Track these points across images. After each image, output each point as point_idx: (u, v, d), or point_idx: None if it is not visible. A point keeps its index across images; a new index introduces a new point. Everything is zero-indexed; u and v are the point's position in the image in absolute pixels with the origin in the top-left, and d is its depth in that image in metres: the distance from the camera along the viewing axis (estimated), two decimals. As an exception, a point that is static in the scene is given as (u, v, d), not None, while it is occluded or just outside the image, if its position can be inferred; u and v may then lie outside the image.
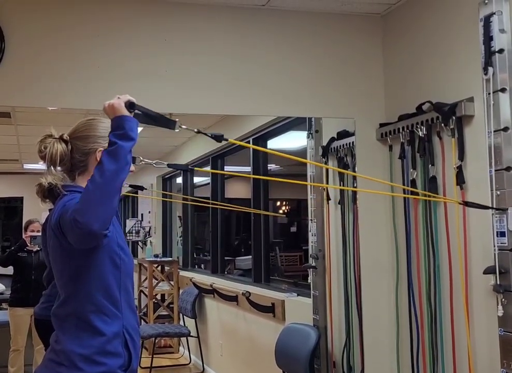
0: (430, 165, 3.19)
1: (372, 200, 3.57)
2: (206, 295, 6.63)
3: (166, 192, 8.83)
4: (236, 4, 3.48)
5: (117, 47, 3.34)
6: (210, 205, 6.65)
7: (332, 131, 3.97)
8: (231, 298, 5.70)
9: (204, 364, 6.70)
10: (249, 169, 5.58)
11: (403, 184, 3.41)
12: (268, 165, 5.65)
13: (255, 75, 3.52)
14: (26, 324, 5.73)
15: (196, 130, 2.14)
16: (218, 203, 6.54)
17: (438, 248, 3.16)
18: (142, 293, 8.40)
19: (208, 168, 6.95)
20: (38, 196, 4.05)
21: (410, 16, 3.48)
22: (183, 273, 7.80)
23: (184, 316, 7.30)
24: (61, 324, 2.01)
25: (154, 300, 7.82)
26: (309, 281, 4.23)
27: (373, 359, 3.60)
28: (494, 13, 2.68)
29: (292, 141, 5.50)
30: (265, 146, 5.43)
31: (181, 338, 7.40)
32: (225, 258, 7.23)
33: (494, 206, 2.64)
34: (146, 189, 7.80)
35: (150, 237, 9.47)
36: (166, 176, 8.90)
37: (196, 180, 8.21)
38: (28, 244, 5.73)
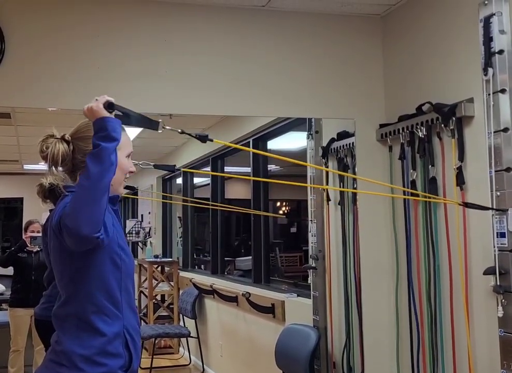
0: (430, 166, 3.19)
1: (372, 201, 3.57)
2: (206, 295, 6.63)
3: (166, 194, 8.83)
4: (236, 5, 3.48)
5: (117, 47, 3.34)
6: (210, 207, 6.65)
7: (332, 132, 3.97)
8: (231, 299, 5.70)
9: (204, 365, 6.70)
10: (249, 169, 5.59)
11: (403, 185, 3.41)
12: (268, 166, 5.65)
13: (255, 76, 3.52)
14: (26, 325, 5.74)
15: (179, 130, 2.13)
16: (218, 204, 6.54)
17: (438, 248, 3.16)
18: (142, 294, 8.41)
19: (208, 169, 6.95)
20: (38, 196, 4.06)
21: (410, 17, 3.48)
22: (183, 273, 7.80)
23: (184, 317, 7.30)
24: (62, 324, 2.01)
25: (154, 300, 7.83)
26: (309, 281, 4.23)
27: (374, 359, 3.60)
28: (494, 14, 2.68)
29: (292, 141, 5.50)
30: (265, 147, 5.43)
31: (181, 339, 7.41)
32: (225, 258, 7.23)
33: (494, 207, 2.64)
34: (137, 189, 7.80)
35: (150, 237, 9.48)
36: (166, 177, 8.91)
37: (196, 180, 8.21)
38: (28, 245, 5.73)
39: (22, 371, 5.87)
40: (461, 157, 2.96)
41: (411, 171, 3.34)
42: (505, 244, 2.60)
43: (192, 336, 6.89)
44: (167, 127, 2.08)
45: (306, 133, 4.23)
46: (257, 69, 3.53)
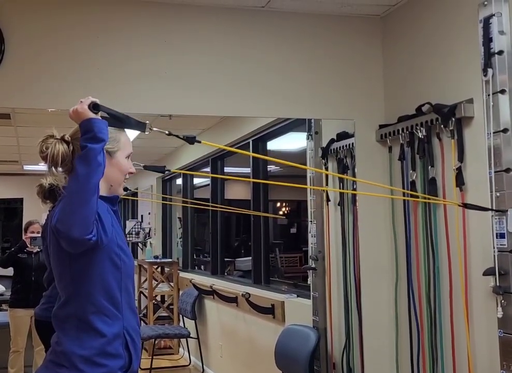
0: (430, 166, 3.19)
1: (372, 201, 3.57)
2: (206, 296, 6.63)
3: (166, 196, 8.83)
4: (236, 6, 3.48)
5: (117, 48, 3.34)
6: (210, 208, 6.65)
7: (332, 132, 3.97)
8: (231, 299, 5.70)
9: (204, 366, 6.70)
10: (248, 170, 5.59)
11: (403, 186, 3.41)
12: (268, 166, 5.65)
13: (255, 76, 3.52)
14: (26, 325, 5.74)
15: (167, 132, 2.13)
16: (218, 205, 6.54)
17: (438, 249, 3.16)
18: (142, 295, 8.41)
19: (207, 169, 6.95)
20: (38, 196, 4.07)
21: (410, 18, 3.48)
22: (183, 274, 7.80)
23: (184, 317, 7.30)
24: (62, 325, 2.01)
25: (153, 301, 7.83)
26: (308, 282, 4.23)
27: (373, 360, 3.60)
28: (494, 15, 2.68)
29: (291, 142, 5.50)
30: (265, 148, 5.43)
31: (181, 339, 7.41)
32: (225, 259, 7.24)
33: (494, 208, 2.64)
34: (130, 190, 7.80)
35: (150, 238, 9.48)
36: (166, 178, 8.91)
37: (196, 181, 8.22)
38: (28, 245, 5.74)
39: (21, 372, 5.88)
40: (461, 157, 2.96)
41: (411, 171, 3.34)
42: (505, 245, 2.60)
43: (191, 337, 6.89)
44: (154, 129, 2.08)
45: (306, 134, 4.23)
46: (257, 70, 3.53)
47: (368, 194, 3.43)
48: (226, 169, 6.91)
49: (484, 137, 2.72)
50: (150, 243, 9.44)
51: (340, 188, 4.00)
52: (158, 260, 8.24)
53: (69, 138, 2.06)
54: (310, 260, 4.17)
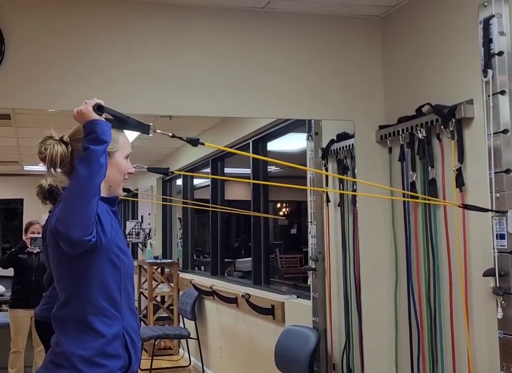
0: (430, 167, 3.19)
1: (371, 202, 3.57)
2: (206, 296, 6.63)
3: (166, 197, 8.83)
4: (236, 7, 3.48)
5: (116, 49, 3.34)
6: (210, 209, 6.65)
7: (332, 133, 3.97)
8: (231, 300, 5.70)
9: (204, 366, 6.70)
10: (248, 171, 5.58)
11: (403, 186, 3.41)
12: (268, 167, 5.65)
13: (255, 77, 3.52)
14: (26, 326, 5.74)
15: (171, 134, 2.13)
16: (218, 206, 6.54)
17: (438, 250, 3.15)
18: (142, 295, 8.41)
19: (207, 170, 6.95)
20: (38, 197, 4.07)
21: (410, 19, 3.48)
22: (183, 275, 7.80)
23: (184, 318, 7.30)
24: (62, 325, 2.01)
25: (153, 302, 7.83)
26: (308, 283, 4.23)
27: (373, 361, 3.60)
28: (494, 16, 2.68)
29: (291, 143, 5.50)
30: (265, 149, 5.43)
31: (181, 340, 7.41)
32: (225, 260, 7.23)
33: (494, 209, 2.64)
34: (132, 192, 7.81)
35: (150, 238, 9.48)
36: (166, 179, 8.91)
37: (196, 181, 8.21)
38: (29, 246, 5.74)
39: (21, 372, 5.87)
40: (461, 158, 2.96)
41: (411, 172, 3.33)
42: (505, 245, 2.60)
43: (191, 338, 6.89)
44: (158, 131, 2.07)
45: (306, 134, 4.23)
46: (257, 71, 3.53)
47: (368, 195, 3.43)
48: (226, 170, 6.91)
49: (484, 137, 2.72)
50: (150, 244, 9.44)
51: (340, 189, 4.00)
52: (158, 261, 8.24)
53: (68, 139, 2.06)
54: (310, 261, 4.17)
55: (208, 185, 7.12)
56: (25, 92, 3.22)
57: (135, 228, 9.60)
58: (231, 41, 3.51)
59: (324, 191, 4.07)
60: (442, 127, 3.05)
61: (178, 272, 7.91)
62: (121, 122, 2.04)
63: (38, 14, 3.24)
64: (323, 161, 4.04)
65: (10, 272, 6.03)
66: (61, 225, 1.80)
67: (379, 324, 3.59)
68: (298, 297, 4.60)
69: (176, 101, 3.43)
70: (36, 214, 6.26)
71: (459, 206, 2.74)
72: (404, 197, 3.41)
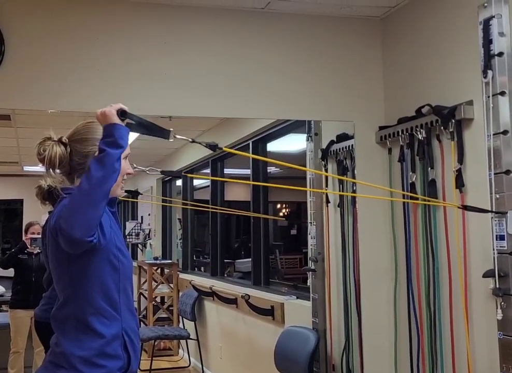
0: (429, 168, 3.18)
1: (371, 203, 3.57)
2: (205, 297, 6.63)
3: (166, 198, 8.83)
4: (235, 7, 3.48)
5: (116, 49, 3.34)
6: (210, 210, 6.65)
7: (331, 134, 3.97)
8: (230, 301, 5.70)
9: (203, 367, 6.70)
10: (248, 171, 5.58)
11: (403, 187, 3.41)
12: (268, 168, 5.65)
13: (255, 78, 3.52)
14: (26, 326, 5.74)
15: (190, 139, 2.15)
16: (218, 207, 6.53)
17: (438, 251, 3.15)
18: (141, 296, 8.41)
19: (207, 171, 6.95)
20: (37, 198, 4.06)
21: (410, 19, 3.48)
22: (182, 275, 7.80)
23: (184, 319, 7.29)
24: (61, 326, 2.02)
25: (153, 302, 7.83)
26: (308, 283, 4.23)
27: (373, 362, 3.59)
28: (494, 16, 2.68)
29: (291, 143, 5.50)
30: (265, 149, 5.43)
31: (181, 341, 7.41)
32: (225, 260, 7.23)
33: (493, 210, 2.64)
34: (142, 194, 7.83)
35: (150, 239, 9.48)
36: (166, 179, 8.90)
37: (196, 182, 8.21)
38: (29, 246, 5.74)
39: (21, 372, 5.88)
40: (460, 159, 2.96)
41: (411, 173, 3.33)
42: (504, 246, 2.59)
43: (191, 338, 6.89)
44: (178, 136, 2.09)
45: (306, 135, 4.23)
46: (257, 71, 3.53)
47: (368, 196, 3.43)
48: (226, 171, 6.91)
49: (484, 138, 2.72)
50: (150, 244, 9.43)
51: (340, 190, 4.00)
52: (158, 262, 8.24)
53: (67, 140, 2.06)
54: (310, 261, 4.17)
55: (208, 186, 7.12)
56: (25, 92, 3.22)
57: (135, 229, 9.60)
58: (231, 42, 3.51)
59: (323, 192, 4.07)
60: (442, 128, 3.04)
61: (178, 272, 7.91)
62: (142, 127, 2.06)
63: (38, 14, 3.24)
64: (323, 162, 4.04)
65: (10, 272, 6.03)
66: (66, 222, 1.79)
67: (379, 324, 3.59)
68: (297, 297, 4.60)
69: (176, 102, 3.43)
70: (35, 214, 6.25)
71: (459, 208, 2.73)
72: (404, 198, 3.41)
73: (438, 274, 3.14)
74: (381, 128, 3.60)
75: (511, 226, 2.57)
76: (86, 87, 3.27)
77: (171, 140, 2.10)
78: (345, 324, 3.86)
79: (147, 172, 2.88)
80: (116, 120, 1.93)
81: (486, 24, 2.71)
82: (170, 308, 7.89)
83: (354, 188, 3.80)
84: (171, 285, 7.87)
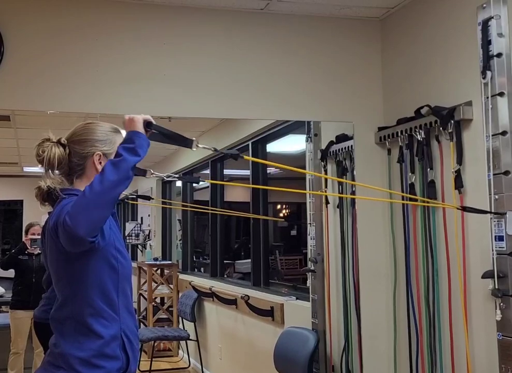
0: (428, 169, 3.19)
1: (370, 204, 3.57)
2: (205, 298, 6.63)
3: (166, 200, 8.82)
4: (235, 8, 3.48)
5: (116, 50, 3.34)
6: (210, 211, 6.64)
7: (331, 134, 3.97)
8: (230, 302, 5.69)
9: (203, 368, 6.69)
10: (248, 172, 5.58)
11: (402, 188, 3.41)
12: (268, 169, 5.64)
13: (254, 79, 3.52)
14: (26, 327, 5.74)
15: (213, 149, 2.21)
16: (218, 209, 6.52)
17: (437, 252, 3.15)
18: (141, 297, 8.40)
19: (207, 172, 6.94)
20: (37, 199, 4.06)
21: (409, 20, 3.48)
22: (182, 276, 7.79)
23: (184, 320, 7.29)
24: (59, 326, 2.02)
25: (153, 303, 7.82)
26: (307, 284, 4.22)
27: (372, 363, 3.60)
28: (492, 17, 2.68)
29: (291, 144, 5.50)
30: (264, 150, 5.42)
31: (180, 341, 7.40)
32: (225, 261, 7.22)
33: (492, 211, 2.64)
34: (153, 199, 7.86)
35: (150, 240, 9.46)
36: (166, 180, 8.89)
37: (196, 183, 8.20)
38: (29, 247, 5.74)
39: (21, 373, 5.89)
40: (459, 160, 2.96)
41: (410, 174, 3.33)
42: (503, 247, 2.60)
43: (191, 339, 6.89)
44: (200, 145, 2.14)
45: (305, 136, 4.23)
46: (256, 72, 3.53)
47: (367, 198, 3.43)
48: (226, 171, 6.89)
49: (483, 139, 2.72)
50: (150, 245, 9.42)
51: (339, 191, 4.00)
52: (157, 262, 8.23)
53: (66, 141, 2.06)
54: (309, 262, 4.16)
55: (208, 187, 7.10)
56: (24, 93, 3.22)
57: (135, 230, 9.59)
58: (231, 43, 3.51)
59: (323, 195, 4.07)
60: (441, 128, 3.05)
61: (178, 273, 7.91)
62: (167, 137, 2.12)
63: (37, 15, 3.24)
64: (322, 163, 4.04)
65: (10, 273, 6.03)
66: (71, 219, 1.78)
67: (378, 325, 3.59)
68: (297, 298, 4.60)
69: (175, 103, 3.43)
70: (35, 215, 6.24)
71: (458, 209, 2.74)
72: (403, 199, 3.41)
73: (437, 274, 3.14)
74: (380, 128, 3.60)
75: (510, 227, 2.57)
76: (86, 88, 3.27)
77: (194, 149, 2.15)
78: (344, 324, 3.86)
79: (165, 178, 2.90)
80: (141, 129, 1.97)
81: (485, 24, 2.71)
82: (170, 309, 7.89)
83: (354, 189, 3.80)
84: (171, 285, 7.87)
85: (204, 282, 6.78)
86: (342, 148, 3.86)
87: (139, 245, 9.73)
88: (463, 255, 2.95)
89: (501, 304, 2.59)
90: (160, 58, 3.40)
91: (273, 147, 5.43)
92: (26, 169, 8.84)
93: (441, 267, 3.12)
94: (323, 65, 3.63)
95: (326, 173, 4.04)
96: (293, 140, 5.18)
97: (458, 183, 2.96)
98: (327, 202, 4.07)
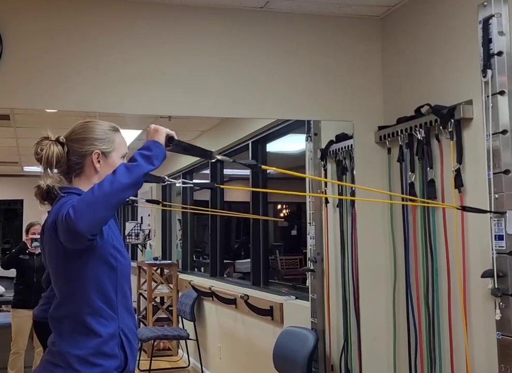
0: (428, 168, 3.18)
1: (370, 203, 3.56)
2: (205, 297, 6.63)
3: (166, 203, 8.81)
4: (234, 7, 3.48)
5: (115, 49, 3.34)
6: (209, 213, 6.64)
7: (331, 134, 3.96)
8: (230, 301, 5.69)
9: (203, 367, 6.69)
10: (248, 172, 5.58)
11: (402, 187, 3.40)
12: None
13: (254, 78, 3.52)
14: (27, 326, 5.72)
15: (231, 160, 2.24)
16: (217, 210, 6.52)
17: (436, 251, 3.15)
18: (141, 296, 8.40)
19: (207, 172, 6.95)
20: (36, 198, 4.06)
21: (409, 19, 3.48)
22: (182, 276, 7.80)
23: (183, 319, 7.29)
24: (58, 325, 2.02)
25: (153, 302, 7.82)
26: (307, 284, 4.22)
27: (371, 362, 3.59)
28: (493, 15, 2.68)
29: (290, 144, 5.50)
30: (264, 149, 5.42)
31: (180, 341, 7.40)
32: (224, 261, 7.22)
33: (492, 210, 2.63)
34: (162, 203, 7.87)
35: (150, 239, 9.47)
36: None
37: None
38: (29, 247, 5.75)
39: (21, 373, 5.89)
40: (459, 159, 2.95)
41: (410, 173, 3.33)
42: (503, 246, 2.59)
43: (190, 339, 6.88)
44: (218, 157, 2.16)
45: (305, 135, 4.22)
46: (256, 71, 3.52)
47: (366, 199, 3.43)
48: (226, 171, 6.89)
49: (483, 138, 2.71)
50: (150, 245, 9.43)
51: (338, 190, 3.99)
52: (157, 262, 8.23)
53: (64, 139, 2.06)
54: (309, 262, 4.16)
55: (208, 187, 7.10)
56: (23, 92, 3.22)
57: (134, 229, 9.59)
58: (230, 41, 3.50)
59: (323, 191, 4.07)
60: (441, 127, 3.04)
61: (177, 273, 7.91)
62: (186, 150, 2.15)
63: (37, 14, 3.24)
64: (322, 162, 4.03)
65: (10, 273, 6.04)
66: (75, 213, 1.76)
67: (377, 325, 3.58)
68: (296, 298, 4.59)
69: (174, 102, 3.43)
70: (36, 214, 6.24)
71: (457, 209, 2.73)
72: (403, 200, 3.40)
73: (436, 273, 3.14)
74: (380, 128, 3.60)
75: (509, 226, 2.57)
76: (85, 87, 3.27)
77: (213, 160, 2.17)
78: (344, 324, 3.86)
79: (178, 184, 2.92)
80: (163, 141, 1.97)
81: (486, 23, 2.71)
82: (170, 308, 7.89)
83: (353, 189, 3.80)
84: (171, 285, 7.87)
85: (204, 282, 6.78)
86: (342, 148, 3.86)
87: (139, 245, 9.74)
88: (462, 254, 2.94)
89: (501, 303, 2.58)
90: (160, 57, 3.39)
91: (273, 146, 5.43)
92: (26, 168, 8.85)
93: (441, 266, 3.11)
94: (323, 64, 3.62)
95: (326, 173, 4.03)
96: (293, 139, 5.18)
97: (458, 182, 2.95)
98: (326, 202, 4.06)
